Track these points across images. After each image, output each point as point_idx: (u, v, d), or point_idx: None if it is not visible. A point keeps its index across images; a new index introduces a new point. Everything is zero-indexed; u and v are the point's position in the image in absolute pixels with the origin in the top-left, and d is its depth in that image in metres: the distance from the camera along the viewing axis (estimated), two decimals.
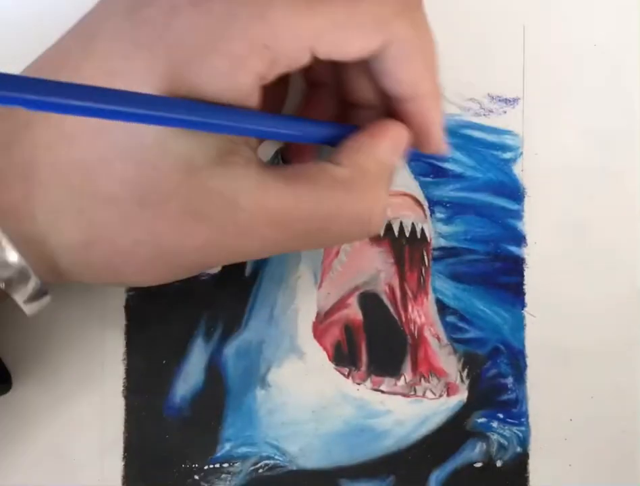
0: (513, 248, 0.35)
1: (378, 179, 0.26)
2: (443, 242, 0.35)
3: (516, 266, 0.35)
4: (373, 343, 0.35)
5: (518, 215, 0.36)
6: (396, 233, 0.35)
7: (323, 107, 0.31)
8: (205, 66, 0.23)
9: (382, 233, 0.35)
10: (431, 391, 0.34)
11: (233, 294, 0.34)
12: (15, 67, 0.24)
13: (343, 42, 0.25)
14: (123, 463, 0.33)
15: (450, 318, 0.35)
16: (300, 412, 0.34)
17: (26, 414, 0.33)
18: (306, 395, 0.34)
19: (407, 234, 0.35)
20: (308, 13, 0.23)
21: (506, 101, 0.36)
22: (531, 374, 0.35)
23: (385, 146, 0.27)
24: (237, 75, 0.23)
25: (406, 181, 0.35)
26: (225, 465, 0.34)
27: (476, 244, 0.35)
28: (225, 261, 0.28)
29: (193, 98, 0.23)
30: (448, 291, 0.35)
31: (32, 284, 0.25)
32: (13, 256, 0.24)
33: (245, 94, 0.24)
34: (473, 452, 0.34)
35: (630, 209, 0.36)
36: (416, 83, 0.27)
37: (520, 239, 0.35)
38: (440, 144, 0.29)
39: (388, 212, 0.35)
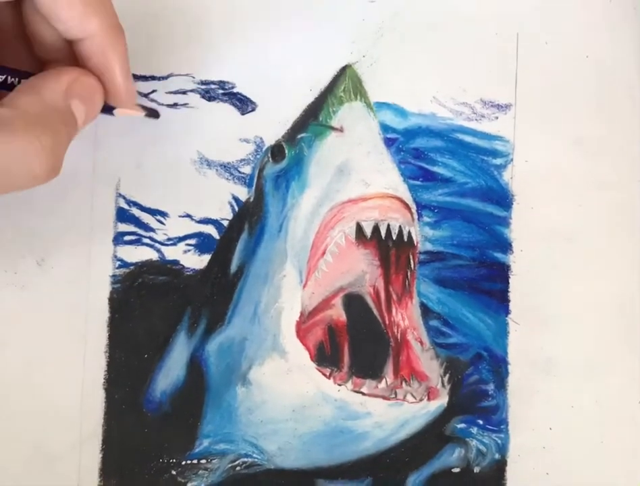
0: (499, 255, 0.35)
1: (41, 120, 0.26)
2: (429, 246, 0.35)
3: (501, 273, 0.35)
4: (356, 345, 0.35)
5: (505, 222, 0.36)
6: (383, 236, 0.35)
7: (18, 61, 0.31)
8: None
9: (369, 235, 0.35)
10: (412, 394, 0.34)
11: (217, 290, 0.34)
12: None
13: None
14: (100, 455, 0.33)
15: (434, 323, 0.35)
16: (280, 411, 0.34)
17: (4, 403, 0.33)
18: (286, 395, 0.34)
19: (394, 237, 0.35)
20: None
21: (498, 107, 0.36)
22: (512, 381, 0.35)
23: (54, 87, 0.27)
24: None
25: (395, 183, 0.35)
26: (203, 461, 0.34)
27: (463, 250, 0.35)
28: None
29: None
30: (433, 295, 0.35)
31: None
32: None
33: None
34: (451, 457, 0.35)
35: (618, 219, 0.36)
36: (81, 19, 0.27)
37: (506, 246, 0.35)
38: (122, 91, 0.30)
39: (376, 214, 0.35)
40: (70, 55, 0.29)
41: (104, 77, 0.29)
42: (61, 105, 0.27)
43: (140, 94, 0.34)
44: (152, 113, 0.33)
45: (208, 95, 0.35)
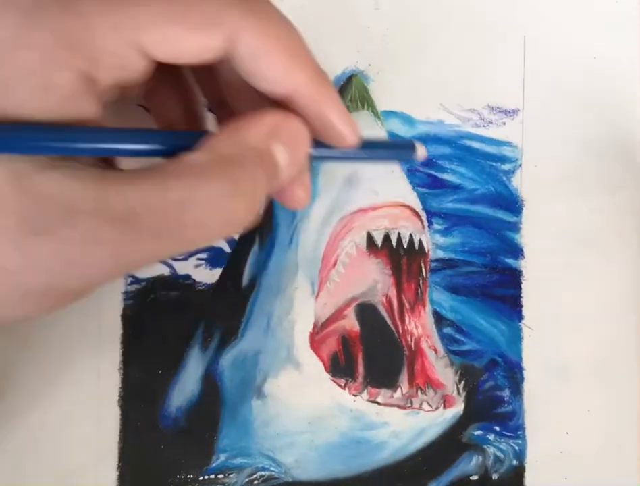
0: (510, 260, 0.35)
1: (243, 164, 0.23)
2: (440, 254, 0.35)
3: (513, 278, 0.35)
4: (370, 355, 0.34)
5: (515, 227, 0.36)
6: (394, 244, 0.35)
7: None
8: (12, 64, 0.21)
9: (380, 245, 0.35)
10: (428, 403, 0.34)
11: (230, 304, 0.34)
12: None
13: (175, 39, 0.23)
14: (117, 473, 0.33)
15: (447, 330, 0.35)
16: (295, 423, 0.34)
17: (20, 422, 0.33)
18: (302, 406, 0.34)
19: (405, 245, 0.35)
20: (128, 4, 0.22)
21: (506, 112, 0.36)
22: (528, 387, 0.35)
23: (255, 129, 0.24)
24: (50, 71, 0.21)
25: (405, 192, 0.35)
26: (220, 476, 0.33)
27: (474, 256, 0.35)
28: (85, 280, 0.23)
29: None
30: (445, 303, 0.35)
31: None
32: None
33: (75, 102, 0.22)
34: (469, 465, 0.34)
35: (628, 221, 0.36)
36: (285, 76, 0.25)
37: (517, 251, 0.35)
38: (348, 134, 0.26)
39: (386, 223, 0.34)
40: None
41: (319, 123, 0.26)
42: (262, 147, 0.24)
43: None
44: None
45: None
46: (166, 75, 0.28)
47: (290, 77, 0.25)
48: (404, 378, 0.34)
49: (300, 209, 0.29)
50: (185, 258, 0.34)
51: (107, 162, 0.26)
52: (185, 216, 0.22)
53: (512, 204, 0.36)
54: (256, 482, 0.34)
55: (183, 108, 0.30)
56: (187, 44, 0.23)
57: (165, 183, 0.22)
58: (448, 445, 0.34)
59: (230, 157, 0.23)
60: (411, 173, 0.35)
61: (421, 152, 0.29)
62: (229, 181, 0.23)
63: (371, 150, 0.28)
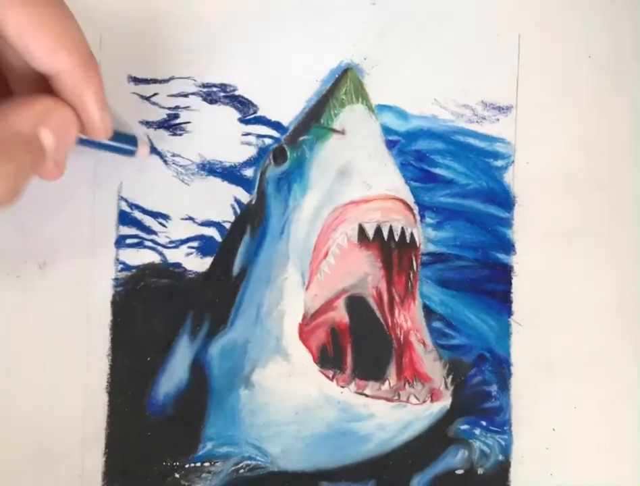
0: (502, 256, 0.35)
1: (3, 147, 0.25)
2: (432, 247, 0.35)
3: (504, 274, 0.35)
4: (359, 347, 0.34)
5: (507, 223, 0.36)
6: (385, 237, 0.35)
7: None
8: None
9: (371, 237, 0.35)
10: (415, 396, 0.34)
11: (220, 293, 0.34)
12: None
13: None
14: (104, 459, 0.33)
15: (436, 324, 0.35)
16: (283, 413, 0.34)
17: (7, 406, 0.33)
18: (289, 397, 0.34)
19: (396, 238, 0.35)
20: None
21: (500, 109, 0.36)
22: (515, 382, 0.35)
23: (24, 115, 0.26)
24: None
25: (397, 185, 0.35)
26: (206, 464, 0.33)
27: (465, 251, 0.35)
28: None
29: None
30: (435, 296, 0.35)
31: None
32: None
33: None
34: (455, 459, 0.34)
35: (619, 219, 0.36)
36: (49, 57, 0.27)
37: (509, 247, 0.36)
38: (98, 125, 0.29)
39: (378, 215, 0.34)
40: (47, 87, 0.29)
41: (79, 110, 0.28)
42: (28, 133, 0.26)
43: (142, 97, 0.34)
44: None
45: (209, 98, 0.35)
46: None
47: (54, 59, 0.27)
48: (392, 371, 0.35)
49: (51, 180, 0.31)
50: (177, 246, 0.34)
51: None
52: None
53: (505, 200, 0.36)
54: (242, 471, 0.34)
55: None
56: None
57: None
58: (434, 439, 0.34)
59: None
60: (404, 167, 0.35)
61: (142, 151, 0.33)
62: None
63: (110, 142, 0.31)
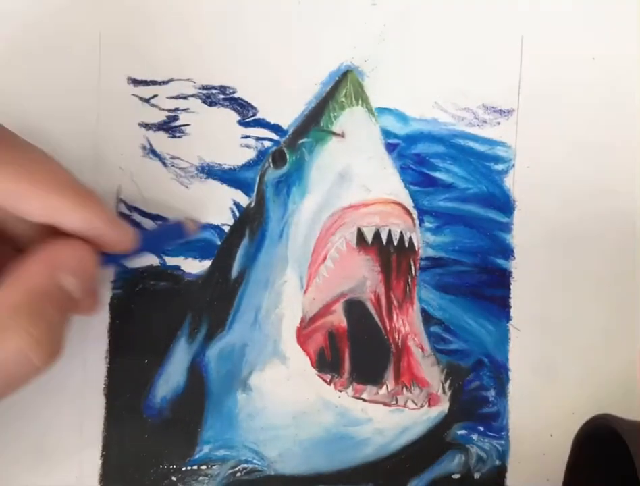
0: (501, 261, 0.35)
1: (28, 310, 0.25)
2: (430, 252, 0.35)
3: (502, 279, 0.35)
4: (357, 351, 0.34)
5: (507, 228, 0.35)
6: (384, 241, 0.35)
7: None
8: None
9: (370, 241, 0.34)
10: (413, 401, 0.34)
11: (218, 296, 0.34)
12: None
13: None
14: (101, 461, 0.33)
15: (435, 329, 0.35)
16: (280, 417, 0.34)
17: (4, 409, 0.33)
18: (287, 401, 0.34)
19: (395, 242, 0.35)
20: None
21: (501, 112, 0.36)
22: (513, 388, 0.35)
23: (37, 270, 0.26)
24: None
25: (397, 189, 0.35)
26: (203, 467, 0.34)
27: (464, 255, 0.35)
28: None
29: None
30: (434, 301, 0.35)
31: None
32: None
33: None
34: (452, 463, 0.34)
35: (619, 224, 0.36)
36: (44, 210, 0.26)
37: (508, 252, 0.35)
38: (117, 243, 0.28)
39: (377, 219, 0.34)
40: (48, 233, 0.27)
41: (90, 240, 0.27)
42: (49, 287, 0.25)
43: (141, 99, 0.34)
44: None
45: (209, 100, 0.34)
46: None
47: (50, 210, 0.26)
48: (389, 375, 0.34)
49: (93, 314, 0.31)
50: (175, 249, 0.34)
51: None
52: None
53: (504, 204, 0.36)
54: (238, 474, 0.34)
55: None
56: None
57: None
58: (432, 444, 0.34)
59: (20, 308, 0.24)
60: (404, 170, 0.35)
61: (192, 227, 0.33)
62: (22, 333, 0.24)
63: (150, 240, 0.31)
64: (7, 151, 0.25)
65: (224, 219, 0.34)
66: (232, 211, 0.34)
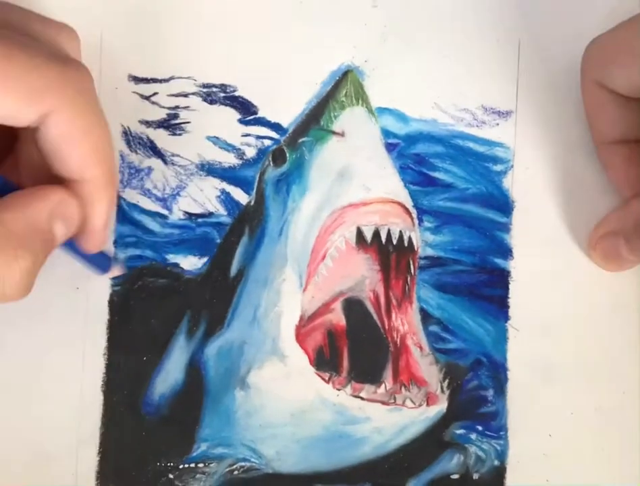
0: (499, 261, 0.35)
1: (23, 241, 0.25)
2: (430, 251, 0.35)
3: (501, 279, 0.35)
4: (355, 350, 0.34)
5: (505, 228, 0.36)
6: (383, 240, 0.35)
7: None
8: None
9: (369, 240, 0.35)
10: (411, 400, 0.34)
11: (217, 294, 0.34)
12: None
13: None
14: (98, 458, 0.33)
15: (433, 328, 0.35)
16: (278, 415, 0.34)
17: (2, 405, 0.33)
18: (285, 399, 0.34)
19: (394, 242, 0.35)
20: None
21: (499, 113, 0.36)
22: (512, 388, 0.35)
23: (40, 207, 0.26)
24: None
25: (396, 188, 0.35)
26: (201, 465, 0.33)
27: (463, 255, 0.35)
28: None
29: None
30: (433, 300, 0.35)
31: None
32: None
33: None
34: (450, 463, 0.34)
35: None
36: (79, 168, 0.27)
37: (506, 252, 0.35)
38: (95, 242, 0.29)
39: (377, 218, 0.35)
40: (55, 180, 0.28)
41: (85, 217, 0.28)
42: (45, 227, 0.26)
43: (142, 96, 0.34)
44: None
45: (209, 98, 0.35)
46: None
47: (82, 170, 0.27)
48: (388, 374, 0.34)
49: None
50: (175, 247, 0.34)
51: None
52: None
53: (503, 204, 0.36)
54: (236, 472, 0.34)
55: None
56: (5, 108, 0.25)
57: None
58: (430, 443, 0.34)
59: (16, 235, 0.25)
60: (403, 170, 0.35)
61: (116, 272, 0.33)
62: (11, 259, 0.25)
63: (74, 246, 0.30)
64: None
65: (223, 217, 0.34)
66: (232, 209, 0.34)
